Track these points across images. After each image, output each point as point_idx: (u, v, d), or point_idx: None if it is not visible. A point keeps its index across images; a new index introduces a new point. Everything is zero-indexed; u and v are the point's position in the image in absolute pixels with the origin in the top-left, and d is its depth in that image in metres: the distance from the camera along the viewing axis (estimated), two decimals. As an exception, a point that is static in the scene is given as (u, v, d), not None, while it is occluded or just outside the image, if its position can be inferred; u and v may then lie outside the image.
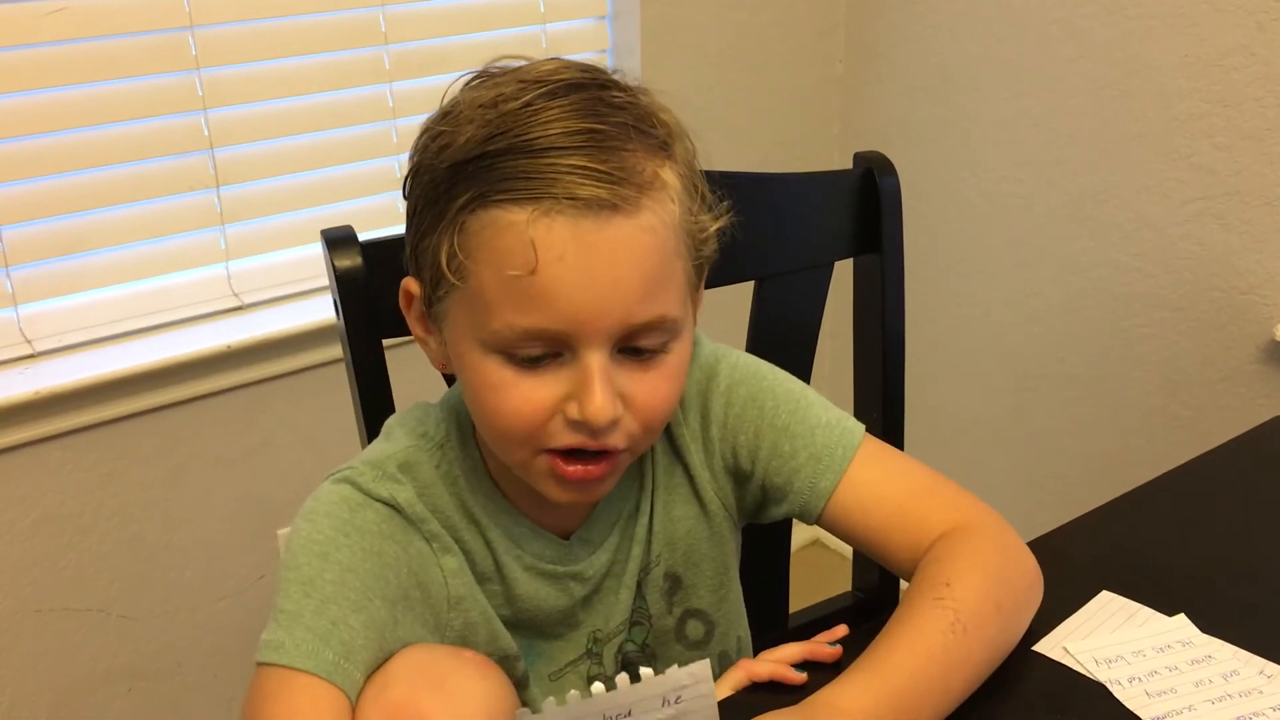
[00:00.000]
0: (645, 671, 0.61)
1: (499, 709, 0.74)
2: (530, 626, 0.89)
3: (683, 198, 0.77)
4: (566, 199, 0.71)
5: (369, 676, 0.75)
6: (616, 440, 0.77)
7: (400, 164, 1.77)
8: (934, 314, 2.10)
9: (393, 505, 0.81)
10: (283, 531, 1.73)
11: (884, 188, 1.15)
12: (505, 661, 0.86)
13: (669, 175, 0.76)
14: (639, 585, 0.91)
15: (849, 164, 1.17)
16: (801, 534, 2.27)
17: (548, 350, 0.75)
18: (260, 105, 1.63)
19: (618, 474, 0.82)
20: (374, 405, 0.99)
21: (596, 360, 0.74)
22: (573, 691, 0.59)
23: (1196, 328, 1.74)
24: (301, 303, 1.70)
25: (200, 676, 1.71)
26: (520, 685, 0.89)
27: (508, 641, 0.87)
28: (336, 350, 1.19)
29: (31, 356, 1.53)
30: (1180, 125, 1.70)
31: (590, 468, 0.78)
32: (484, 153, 0.72)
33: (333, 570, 0.76)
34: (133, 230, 1.58)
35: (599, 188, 0.71)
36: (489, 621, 0.86)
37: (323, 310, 1.66)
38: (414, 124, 1.90)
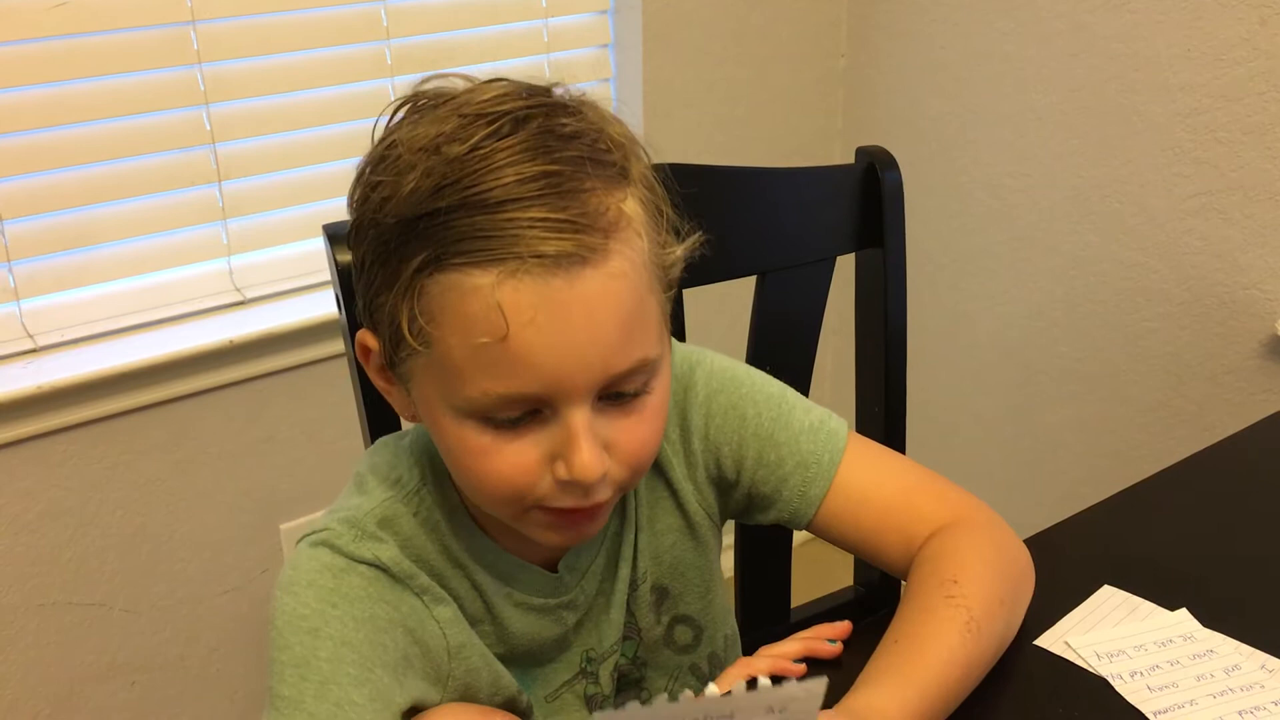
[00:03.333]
0: (763, 681, 0.60)
1: None
2: (525, 657, 0.87)
3: (648, 229, 0.72)
4: (532, 258, 0.66)
5: None
6: (605, 494, 0.74)
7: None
8: (936, 309, 2.10)
9: (378, 565, 0.77)
10: (285, 526, 1.73)
11: (886, 182, 1.15)
12: (510, 704, 0.85)
13: (632, 207, 0.71)
14: (627, 604, 0.90)
15: (851, 159, 1.17)
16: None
17: (527, 410, 0.71)
18: (262, 100, 1.63)
19: (608, 512, 0.79)
20: (375, 399, 0.98)
21: (579, 418, 0.70)
22: (686, 691, 0.58)
23: (1198, 322, 1.74)
24: (303, 297, 1.70)
25: (203, 671, 1.71)
26: (525, 716, 0.88)
27: (509, 681, 0.85)
28: (338, 345, 1.19)
29: (34, 351, 1.53)
30: (1183, 120, 1.69)
31: (581, 519, 0.75)
32: (434, 209, 0.67)
33: (326, 647, 0.73)
34: (135, 225, 1.58)
35: (564, 240, 0.66)
36: (490, 665, 0.84)
37: (324, 305, 1.66)
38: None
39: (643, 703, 0.96)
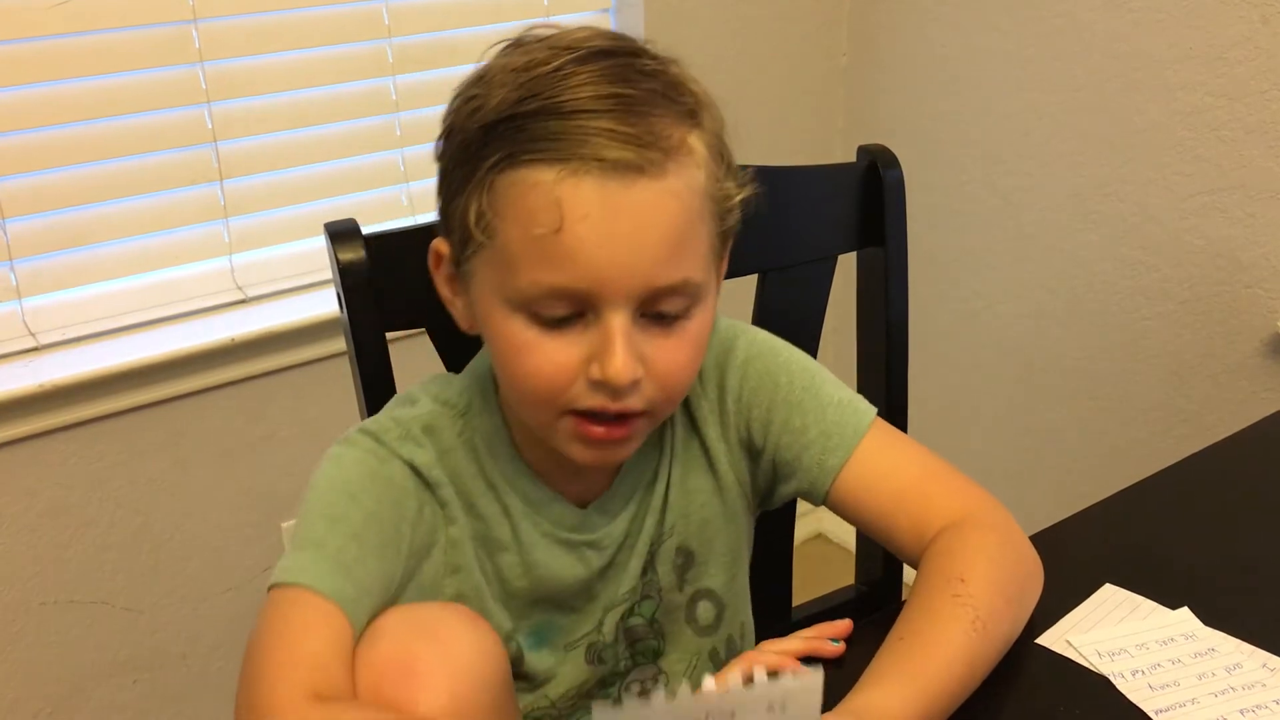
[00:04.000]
0: (759, 676, 0.61)
1: (490, 655, 0.75)
2: (549, 600, 0.89)
3: (709, 164, 0.77)
4: (594, 160, 0.71)
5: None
6: (635, 403, 0.77)
7: (403, 157, 1.77)
8: (937, 307, 2.10)
9: (412, 466, 0.82)
10: (287, 525, 1.73)
11: (888, 181, 1.15)
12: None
13: (696, 142, 0.76)
14: (652, 557, 0.92)
15: (852, 157, 1.17)
16: (805, 527, 2.27)
17: (572, 310, 0.75)
18: (263, 99, 1.63)
19: (639, 439, 0.83)
20: (377, 398, 0.99)
21: (619, 321, 0.75)
22: (684, 685, 0.59)
23: (1200, 321, 1.74)
24: (305, 296, 1.70)
25: (205, 668, 1.71)
26: (515, 662, 0.89)
27: (500, 619, 0.88)
28: (340, 343, 1.19)
29: (35, 350, 1.53)
30: (1184, 118, 1.69)
31: (612, 429, 0.78)
32: (514, 114, 0.73)
33: (359, 512, 0.77)
34: (136, 223, 1.58)
35: (626, 150, 0.72)
36: (480, 598, 0.86)
37: (326, 303, 1.66)
38: (417, 117, 1.91)
39: (646, 690, 0.96)
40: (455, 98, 0.79)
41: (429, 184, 1.99)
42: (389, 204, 1.77)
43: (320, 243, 0.99)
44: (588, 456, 0.81)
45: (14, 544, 1.52)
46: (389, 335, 0.99)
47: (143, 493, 1.60)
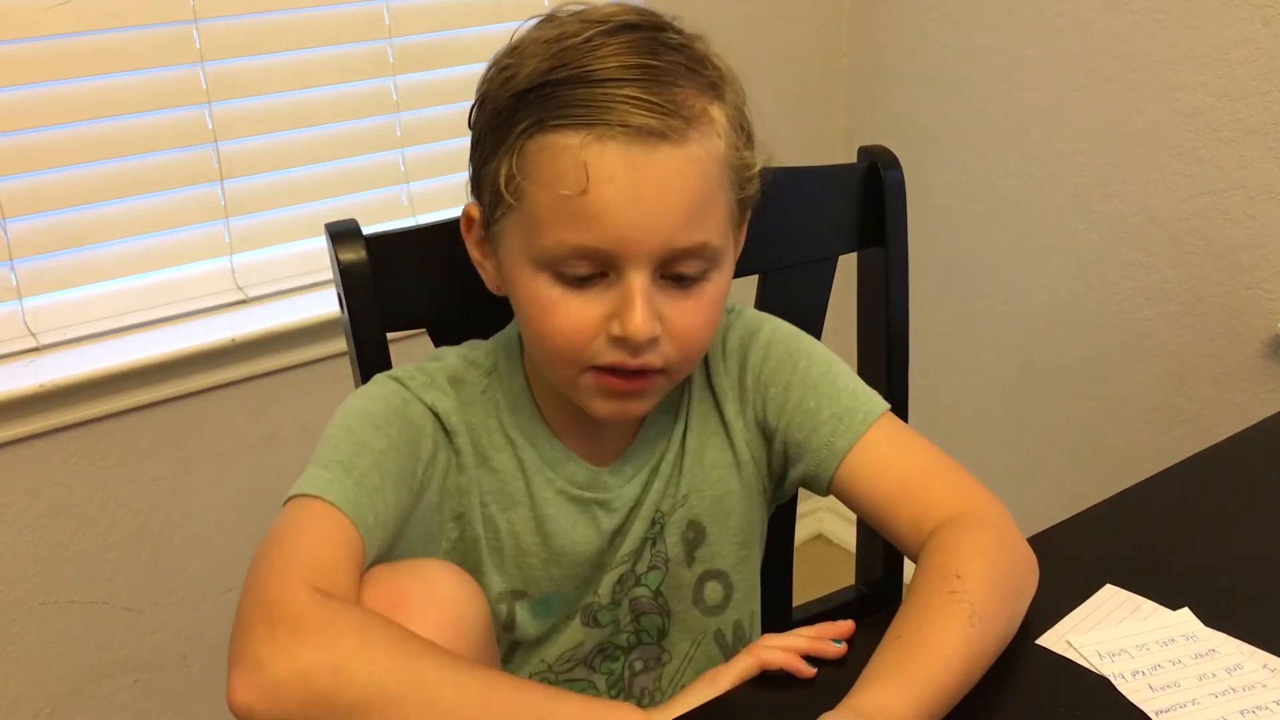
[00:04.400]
0: None
1: (473, 600, 0.79)
2: (560, 565, 0.91)
3: (729, 134, 0.81)
4: (619, 126, 0.75)
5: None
6: (653, 359, 0.81)
7: (404, 157, 1.76)
8: (938, 308, 2.10)
9: (434, 412, 0.86)
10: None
11: (888, 181, 1.15)
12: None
13: (717, 113, 0.80)
14: (661, 527, 0.93)
15: (853, 158, 1.17)
16: (805, 528, 2.27)
17: (594, 270, 0.79)
18: (264, 99, 1.63)
19: (656, 395, 0.86)
20: (378, 398, 0.99)
21: (639, 280, 0.78)
22: None
23: (1200, 322, 1.74)
24: (306, 296, 1.70)
25: (206, 669, 1.71)
26: (505, 628, 0.91)
27: (491, 579, 0.90)
28: (341, 344, 1.19)
29: (36, 350, 1.53)
30: (1185, 119, 1.69)
31: (631, 380, 0.81)
32: (545, 82, 0.77)
33: (383, 441, 0.81)
34: (137, 224, 1.58)
35: (650, 117, 0.75)
36: (476, 552, 0.89)
37: (327, 304, 1.66)
38: (418, 118, 1.91)
39: (648, 669, 0.96)
40: (489, 67, 0.83)
41: (429, 184, 2.00)
42: (390, 204, 1.77)
43: (321, 243, 0.99)
44: (607, 410, 0.84)
45: (15, 543, 1.52)
46: (390, 335, 0.99)
47: (143, 493, 1.60)
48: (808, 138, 2.18)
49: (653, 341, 0.80)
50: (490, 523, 0.89)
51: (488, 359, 0.91)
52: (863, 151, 1.17)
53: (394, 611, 0.73)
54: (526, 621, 0.92)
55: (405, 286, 0.97)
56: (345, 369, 1.02)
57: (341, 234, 0.96)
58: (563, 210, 0.77)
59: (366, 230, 0.97)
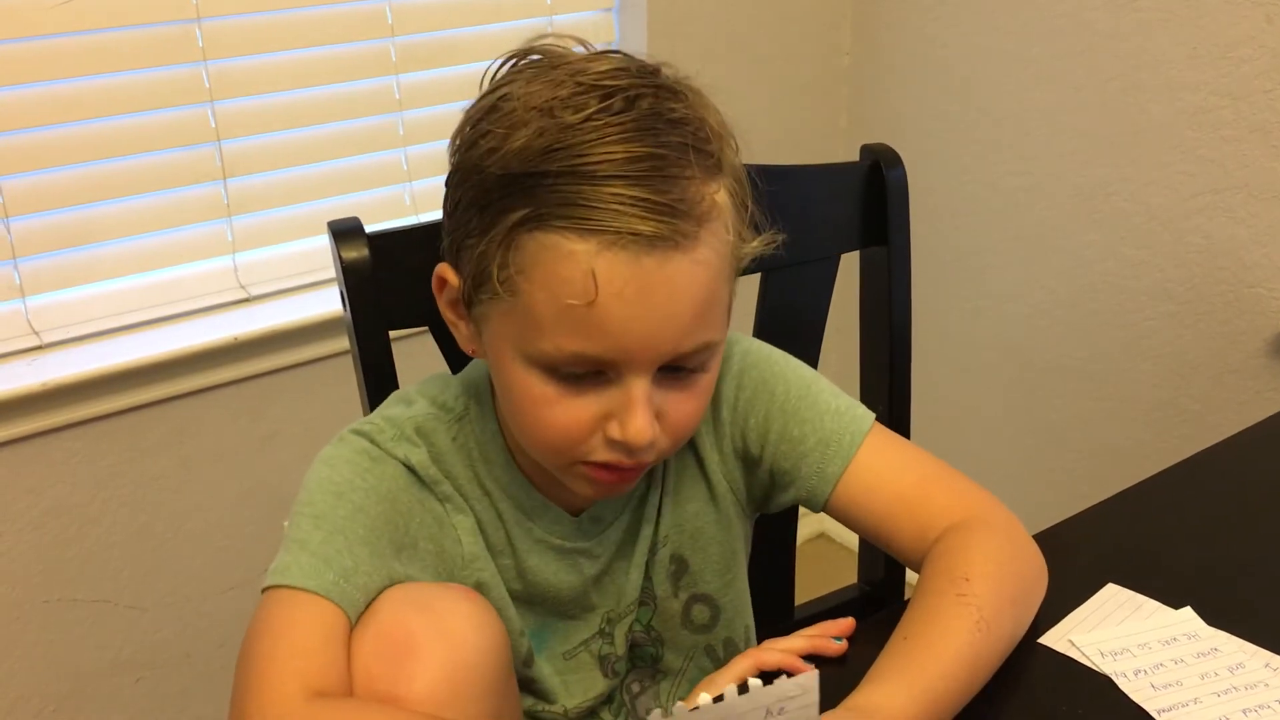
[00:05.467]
0: (754, 682, 0.61)
1: (488, 631, 0.76)
2: (544, 604, 0.90)
3: (733, 222, 0.77)
4: (629, 234, 0.71)
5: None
6: (649, 457, 0.79)
7: (407, 156, 1.77)
8: (940, 307, 2.10)
9: (407, 465, 0.83)
10: (289, 523, 1.73)
11: (891, 180, 1.15)
12: (509, 637, 0.86)
13: (723, 199, 0.76)
14: (647, 566, 0.92)
15: (855, 156, 1.17)
16: (807, 527, 2.27)
17: (593, 369, 0.75)
18: (267, 97, 1.63)
19: (642, 474, 0.84)
20: (381, 397, 0.98)
21: (641, 386, 0.75)
22: (679, 703, 0.59)
23: (1203, 321, 1.74)
24: (308, 295, 1.70)
25: (208, 667, 1.71)
26: (525, 664, 0.89)
27: (512, 614, 0.88)
28: (343, 342, 1.19)
29: (39, 348, 1.54)
30: (1188, 118, 1.69)
31: (625, 474, 0.80)
32: (543, 170, 0.71)
33: (345, 508, 0.78)
34: (140, 222, 1.58)
35: (661, 223, 0.71)
36: (498, 586, 0.87)
37: (330, 302, 1.66)
38: (420, 116, 1.90)
39: (644, 690, 0.96)
40: (467, 125, 0.77)
41: (432, 183, 1.99)
42: (392, 203, 1.77)
43: (323, 241, 0.99)
44: (595, 493, 0.82)
45: (17, 542, 1.52)
46: (392, 334, 0.99)
47: (146, 491, 1.60)
48: (810, 136, 2.18)
49: (652, 443, 0.77)
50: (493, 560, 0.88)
51: (457, 403, 0.87)
52: (865, 150, 1.17)
53: (402, 657, 0.71)
54: (538, 663, 0.91)
55: (408, 285, 0.97)
56: (348, 368, 1.02)
57: (344, 232, 0.96)
58: (567, 318, 0.73)
59: (369, 228, 0.97)
